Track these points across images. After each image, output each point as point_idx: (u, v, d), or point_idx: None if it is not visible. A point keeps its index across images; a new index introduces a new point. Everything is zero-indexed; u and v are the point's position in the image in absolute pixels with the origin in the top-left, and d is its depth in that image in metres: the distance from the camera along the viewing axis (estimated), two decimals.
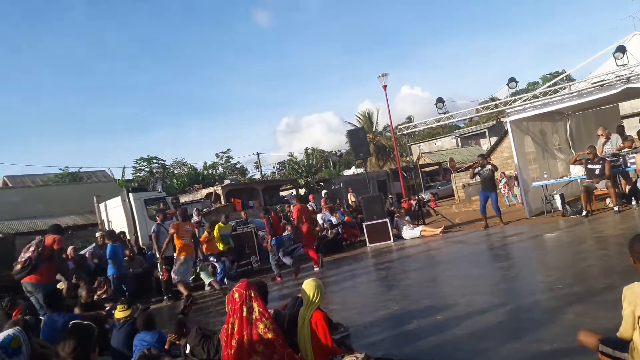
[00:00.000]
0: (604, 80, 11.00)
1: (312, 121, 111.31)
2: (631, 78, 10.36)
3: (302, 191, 30.74)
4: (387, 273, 8.79)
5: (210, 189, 25.70)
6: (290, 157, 44.48)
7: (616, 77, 10.58)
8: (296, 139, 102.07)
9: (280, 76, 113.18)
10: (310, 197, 17.97)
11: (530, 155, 13.16)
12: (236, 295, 3.92)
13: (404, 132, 14.53)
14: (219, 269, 10.20)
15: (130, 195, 14.39)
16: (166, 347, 4.42)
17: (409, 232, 12.76)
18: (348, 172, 34.11)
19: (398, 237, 12.83)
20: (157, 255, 9.51)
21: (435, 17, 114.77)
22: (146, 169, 38.31)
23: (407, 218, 13.76)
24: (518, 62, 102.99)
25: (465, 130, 47.00)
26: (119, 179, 32.38)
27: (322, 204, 16.16)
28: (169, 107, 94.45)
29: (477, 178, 12.07)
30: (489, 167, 11.80)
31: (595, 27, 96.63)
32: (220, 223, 11.06)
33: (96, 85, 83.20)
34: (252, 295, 3.93)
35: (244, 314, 3.82)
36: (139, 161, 38.04)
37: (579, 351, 3.26)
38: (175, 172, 40.56)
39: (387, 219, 12.56)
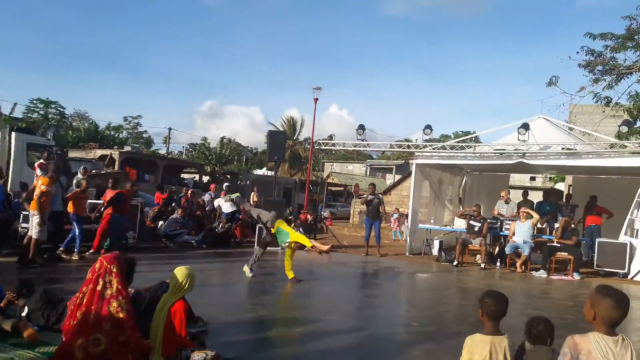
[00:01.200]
0: (504, 149, 12.08)
1: (236, 112, 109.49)
2: (526, 154, 11.50)
3: (205, 178, 29.90)
4: (265, 278, 8.79)
5: (107, 152, 24.03)
6: (203, 142, 43.17)
7: (514, 149, 11.67)
8: (215, 125, 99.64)
9: (215, 57, 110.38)
10: (212, 186, 17.49)
11: (424, 199, 14.04)
12: (97, 264, 3.68)
13: (321, 148, 14.76)
14: (77, 233, 9.05)
15: (13, 134, 13.01)
16: (1, 304, 4.01)
17: None
18: (258, 172, 33.82)
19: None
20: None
21: (385, 51, 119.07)
22: (41, 112, 34.98)
23: (300, 229, 13.90)
24: (440, 114, 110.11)
25: (376, 162, 49.06)
26: (5, 114, 29.14)
27: (222, 196, 15.90)
28: (85, 54, 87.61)
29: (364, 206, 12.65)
30: (378, 196, 12.46)
31: (516, 100, 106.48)
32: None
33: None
34: (114, 270, 3.69)
35: (98, 287, 3.57)
36: (34, 101, 34.66)
37: None
38: (74, 124, 37.46)
39: None
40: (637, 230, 10.34)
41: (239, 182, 26.72)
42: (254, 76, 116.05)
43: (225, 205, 13.91)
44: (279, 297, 7.14)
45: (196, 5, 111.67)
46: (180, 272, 3.95)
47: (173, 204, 13.60)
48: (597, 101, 15.82)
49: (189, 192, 14.64)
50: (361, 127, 13.30)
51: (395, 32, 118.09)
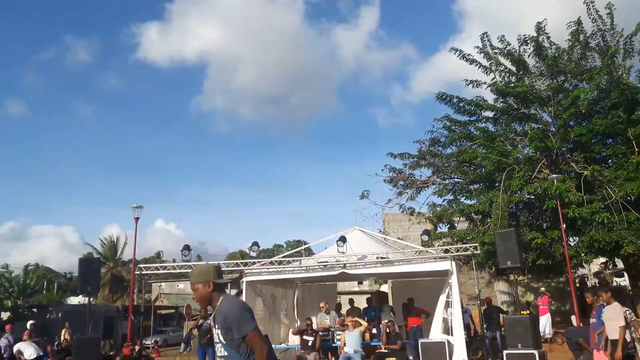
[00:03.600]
0: (327, 262, 12.80)
1: (45, 232, 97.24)
2: (347, 265, 12.35)
3: (5, 315, 25.03)
4: None
5: None
6: (4, 270, 36.64)
7: (336, 261, 12.47)
8: (18, 249, 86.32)
9: (18, 172, 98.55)
10: (7, 327, 14.27)
11: (258, 316, 13.75)
12: None
13: (142, 273, 13.71)
14: None
15: None
16: None
17: None
18: (74, 300, 29.59)
19: None
20: None
21: (213, 166, 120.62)
22: None
23: None
24: (272, 224, 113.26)
25: None
26: None
27: (25, 337, 13.25)
28: None
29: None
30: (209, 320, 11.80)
31: (339, 209, 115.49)
32: None
33: None
34: None
35: None
36: None
37: None
38: None
39: None
40: (450, 327, 11.54)
41: (47, 316, 22.95)
42: (63, 189, 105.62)
43: (28, 349, 11.70)
44: None
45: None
46: None
47: None
48: (402, 211, 18.23)
49: None
50: (186, 248, 12.90)
51: (221, 148, 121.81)
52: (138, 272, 13.89)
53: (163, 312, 35.85)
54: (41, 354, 12.32)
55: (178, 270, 13.41)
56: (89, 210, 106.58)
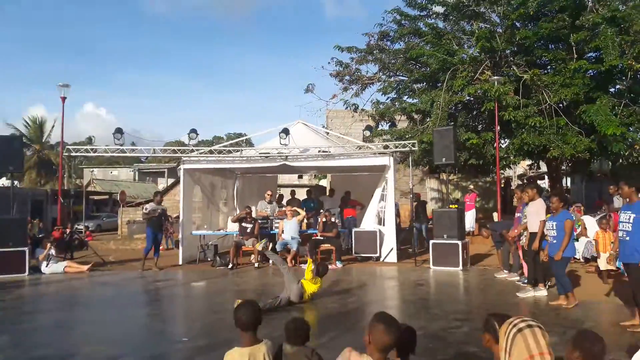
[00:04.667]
0: (269, 153, 12.68)
1: None
2: (288, 157, 12.30)
3: None
4: (6, 314, 7.31)
5: None
6: None
7: (278, 153, 12.36)
8: None
9: None
10: None
11: (196, 204, 13.76)
12: None
13: (71, 154, 12.92)
14: None
15: None
16: None
17: (52, 267, 11.11)
18: None
19: (36, 269, 11.02)
20: None
21: (148, 51, 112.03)
22: None
23: (52, 251, 11.93)
24: (211, 115, 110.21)
25: (145, 166, 46.19)
26: None
27: None
28: None
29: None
30: (163, 207, 11.81)
31: (281, 103, 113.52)
32: None
33: None
34: None
35: None
36: None
37: None
38: None
39: (26, 248, 10.71)
40: (382, 218, 12.14)
41: None
42: None
43: None
44: (23, 334, 5.96)
45: None
46: None
47: None
48: (347, 107, 18.13)
49: None
50: (118, 132, 12.16)
51: (157, 31, 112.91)
52: (66, 154, 13.09)
53: (96, 197, 35.09)
54: None
55: (110, 154, 12.78)
56: (9, 90, 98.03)
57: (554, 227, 6.80)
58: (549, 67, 15.16)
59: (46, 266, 11.08)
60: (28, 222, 14.37)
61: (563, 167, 18.76)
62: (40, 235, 14.17)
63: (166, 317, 7.34)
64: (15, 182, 16.33)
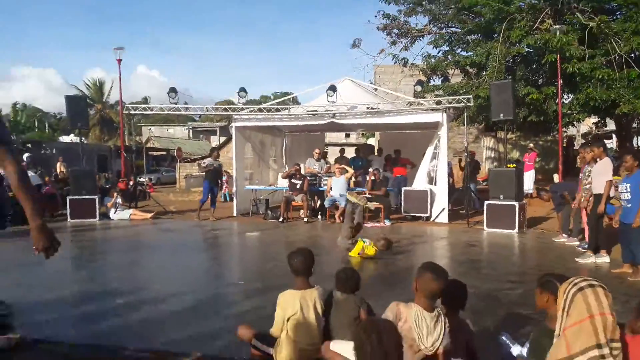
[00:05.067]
0: (316, 111, 12.69)
1: (27, 74, 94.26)
2: (336, 114, 12.28)
3: None
4: (82, 252, 8.08)
5: None
6: None
7: (325, 110, 12.36)
8: (2, 89, 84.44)
9: None
10: None
11: (248, 161, 14.15)
12: None
13: (130, 112, 13.62)
14: None
15: None
16: None
17: (119, 214, 12.16)
18: (66, 139, 29.99)
19: (105, 216, 12.05)
20: None
21: (191, 7, 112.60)
22: None
23: (118, 200, 12.84)
24: (259, 75, 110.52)
25: (198, 124, 47.33)
26: None
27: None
28: None
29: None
30: (219, 162, 12.46)
31: (329, 60, 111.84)
32: None
33: None
34: None
35: None
36: None
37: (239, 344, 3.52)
38: None
39: (96, 196, 11.86)
40: (434, 178, 11.95)
41: (42, 152, 23.42)
42: (45, 34, 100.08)
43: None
44: (97, 271, 6.64)
45: None
46: None
47: None
48: (395, 62, 17.59)
49: None
50: (173, 91, 12.62)
51: None
52: (126, 112, 13.78)
53: (155, 153, 36.70)
54: (40, 182, 12.81)
55: (166, 112, 13.34)
56: (70, 54, 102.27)
57: (628, 189, 5.93)
58: (618, 12, 13.96)
59: (114, 213, 12.13)
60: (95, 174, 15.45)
61: (634, 125, 17.45)
62: (107, 186, 15.18)
63: (223, 262, 7.87)
64: (82, 139, 17.48)
